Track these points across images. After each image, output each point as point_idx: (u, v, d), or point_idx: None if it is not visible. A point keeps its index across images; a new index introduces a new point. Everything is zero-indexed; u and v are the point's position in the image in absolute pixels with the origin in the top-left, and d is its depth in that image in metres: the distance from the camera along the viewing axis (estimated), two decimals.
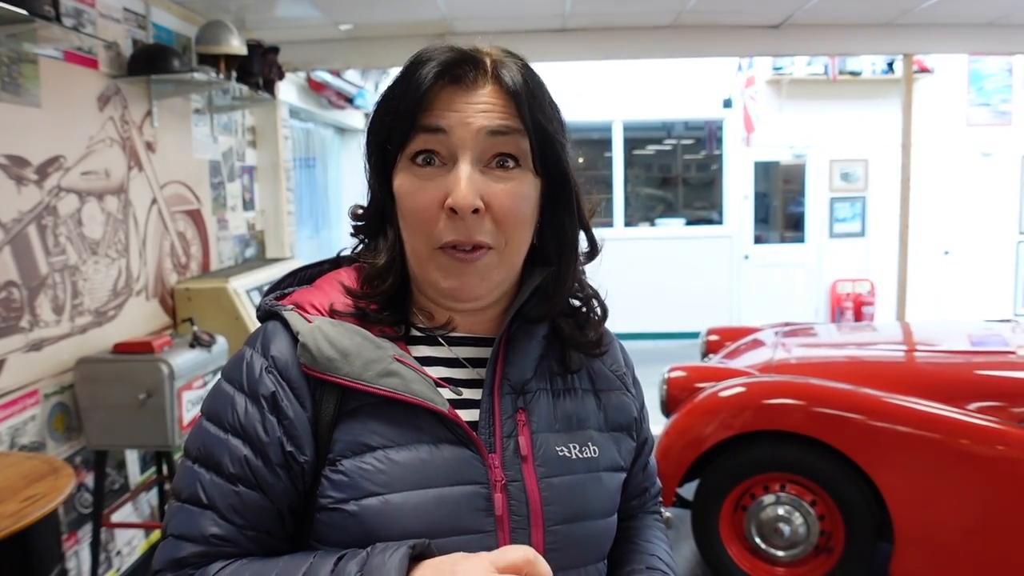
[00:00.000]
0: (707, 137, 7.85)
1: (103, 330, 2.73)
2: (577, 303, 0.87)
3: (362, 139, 0.81)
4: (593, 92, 7.05)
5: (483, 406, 0.78)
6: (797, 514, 2.66)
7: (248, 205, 4.08)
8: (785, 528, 2.66)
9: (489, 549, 0.72)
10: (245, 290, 3.27)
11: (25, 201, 2.35)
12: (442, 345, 0.80)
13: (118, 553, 2.85)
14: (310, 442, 0.74)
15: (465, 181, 0.71)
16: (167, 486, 3.02)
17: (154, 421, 2.49)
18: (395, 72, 0.79)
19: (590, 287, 0.86)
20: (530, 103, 0.74)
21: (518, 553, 0.65)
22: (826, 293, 7.51)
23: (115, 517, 2.76)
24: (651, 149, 8.20)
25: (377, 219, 0.80)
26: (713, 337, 3.81)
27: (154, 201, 3.11)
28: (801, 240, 7.63)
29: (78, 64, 2.63)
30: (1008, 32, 4.29)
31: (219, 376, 0.79)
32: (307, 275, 0.86)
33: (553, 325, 0.84)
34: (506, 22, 4.10)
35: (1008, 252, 7.24)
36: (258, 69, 3.61)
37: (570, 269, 0.81)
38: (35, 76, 2.40)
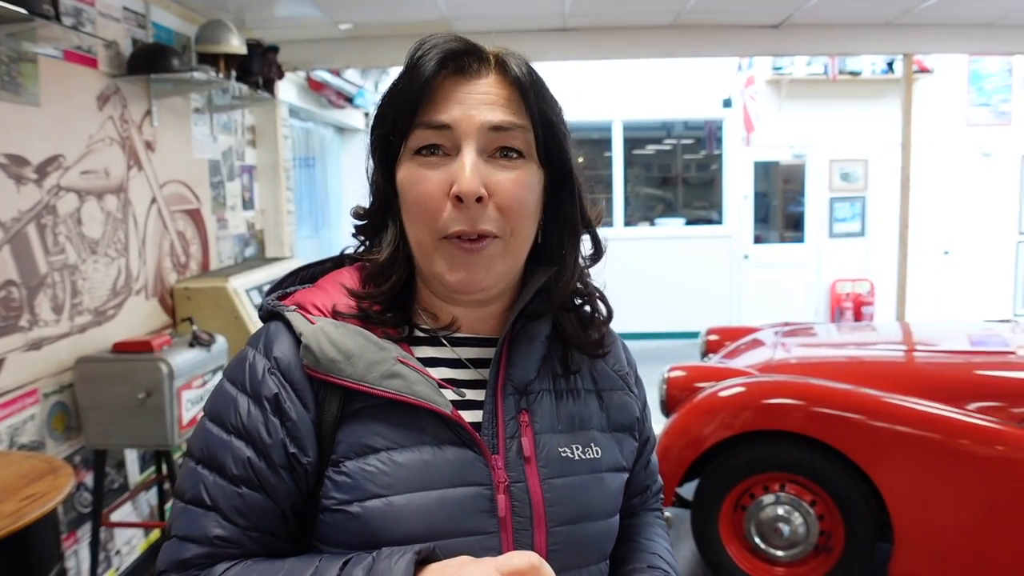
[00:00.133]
0: (707, 137, 7.86)
1: (102, 329, 2.72)
2: (580, 302, 0.87)
3: (366, 135, 0.81)
4: (593, 92, 7.05)
5: (486, 407, 0.77)
6: (797, 514, 2.66)
7: (248, 204, 4.08)
8: (785, 528, 2.66)
9: (492, 550, 0.72)
10: (244, 289, 3.27)
11: (24, 200, 2.34)
12: (445, 346, 0.80)
13: (117, 552, 2.85)
14: (313, 443, 0.74)
15: (470, 168, 0.71)
16: (167, 485, 3.02)
17: (153, 420, 2.48)
18: (396, 71, 0.79)
19: (594, 287, 0.86)
20: (535, 92, 0.75)
21: (523, 559, 0.65)
22: (826, 293, 7.51)
23: (114, 516, 2.76)
24: (651, 149, 8.20)
25: (380, 215, 0.80)
26: (713, 337, 3.81)
27: (153, 200, 3.11)
28: (801, 240, 7.63)
29: (77, 63, 2.63)
30: (1008, 32, 4.29)
31: (222, 377, 0.79)
32: (309, 274, 0.85)
33: (556, 325, 0.84)
34: (506, 21, 4.10)
35: (1008, 252, 7.25)
36: (258, 68, 3.61)
37: (573, 264, 0.81)
38: (34, 75, 2.40)
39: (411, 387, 0.73)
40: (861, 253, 7.41)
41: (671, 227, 7.75)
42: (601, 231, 0.85)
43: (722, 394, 2.73)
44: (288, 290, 0.83)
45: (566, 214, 0.80)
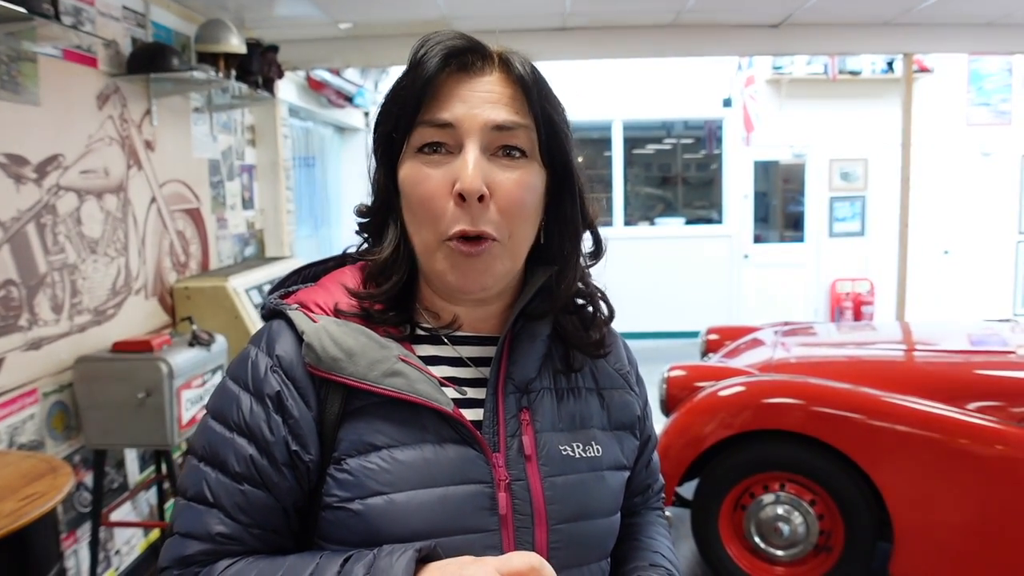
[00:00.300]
0: (707, 136, 7.85)
1: (102, 329, 2.72)
2: (581, 302, 0.86)
3: (366, 135, 0.80)
4: (593, 91, 7.04)
5: (487, 405, 0.78)
6: (796, 513, 2.66)
7: (247, 204, 4.07)
8: (784, 527, 2.66)
9: (493, 548, 0.72)
10: (244, 289, 3.26)
11: (24, 200, 2.34)
12: (446, 344, 0.80)
13: (117, 552, 2.85)
14: (315, 441, 0.74)
15: (472, 166, 0.71)
16: (166, 485, 3.02)
17: (153, 420, 2.48)
18: (396, 71, 0.79)
19: (595, 287, 0.86)
20: (538, 92, 0.75)
21: (523, 560, 0.66)
22: (826, 293, 7.51)
23: (114, 516, 2.76)
24: (651, 148, 8.20)
25: (382, 214, 0.80)
26: (713, 336, 3.81)
27: (153, 200, 3.11)
28: (801, 239, 7.63)
29: (77, 62, 2.63)
30: (1008, 32, 4.29)
31: (224, 375, 0.79)
32: (311, 273, 0.86)
33: (557, 325, 0.84)
34: (506, 20, 4.10)
35: (1008, 252, 7.25)
36: (257, 68, 3.61)
37: (573, 264, 0.81)
38: (34, 74, 2.40)
39: (412, 385, 0.73)
40: (861, 253, 7.41)
41: (671, 227, 7.75)
42: (601, 231, 0.85)
43: (722, 393, 2.73)
44: (290, 289, 0.84)
45: (567, 214, 0.80)
